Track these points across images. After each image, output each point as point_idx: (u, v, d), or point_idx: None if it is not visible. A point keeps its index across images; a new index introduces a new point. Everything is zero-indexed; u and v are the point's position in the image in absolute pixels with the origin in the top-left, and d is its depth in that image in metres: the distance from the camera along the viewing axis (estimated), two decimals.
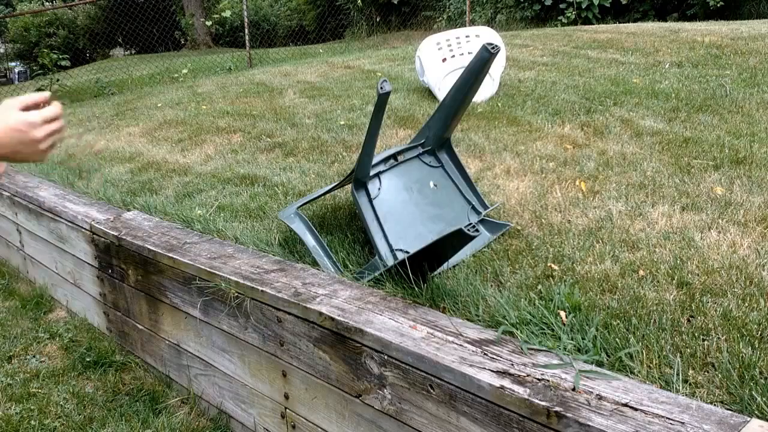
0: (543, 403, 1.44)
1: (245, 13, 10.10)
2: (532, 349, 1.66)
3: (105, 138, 4.76)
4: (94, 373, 3.03)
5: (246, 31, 10.03)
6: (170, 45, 15.98)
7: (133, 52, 17.43)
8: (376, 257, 2.23)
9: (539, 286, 1.97)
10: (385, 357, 1.79)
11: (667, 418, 1.35)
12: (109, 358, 3.11)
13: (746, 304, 1.77)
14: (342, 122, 4.20)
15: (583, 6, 10.87)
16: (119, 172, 3.88)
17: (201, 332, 2.58)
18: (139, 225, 2.99)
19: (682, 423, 1.33)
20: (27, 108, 1.21)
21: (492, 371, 1.57)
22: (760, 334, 1.64)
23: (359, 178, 2.31)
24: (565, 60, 5.59)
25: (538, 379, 1.52)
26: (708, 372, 1.54)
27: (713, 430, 1.31)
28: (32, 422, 2.67)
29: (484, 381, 1.55)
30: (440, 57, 4.50)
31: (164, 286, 2.70)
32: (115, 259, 3.01)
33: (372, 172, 2.34)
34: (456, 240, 1.81)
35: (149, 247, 2.70)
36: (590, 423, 1.36)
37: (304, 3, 18.35)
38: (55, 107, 1.23)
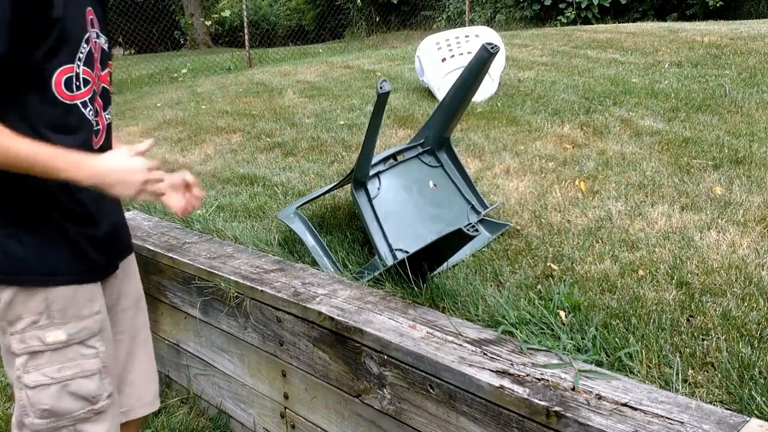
0: (542, 403, 1.44)
1: (245, 13, 10.10)
2: (531, 348, 1.66)
3: None
4: None
5: (245, 30, 10.03)
6: (170, 45, 15.98)
7: (133, 51, 17.43)
8: (376, 257, 2.23)
9: (539, 286, 1.97)
10: (385, 357, 1.79)
11: (666, 417, 1.35)
12: None
13: (746, 304, 1.77)
14: (341, 122, 4.20)
15: (583, 6, 10.88)
16: None
17: (200, 332, 2.58)
18: (138, 225, 2.98)
19: (682, 423, 1.33)
20: (138, 154, 1.43)
21: (491, 371, 1.57)
22: (760, 334, 1.64)
23: (359, 177, 2.31)
24: (565, 60, 5.59)
25: (538, 379, 1.52)
26: (707, 372, 1.54)
27: (713, 429, 1.31)
28: None
29: (484, 381, 1.55)
30: (440, 57, 4.50)
31: (163, 286, 2.70)
32: None
33: (371, 172, 2.34)
34: (455, 240, 1.81)
35: (149, 246, 2.70)
36: (590, 423, 1.36)
37: (304, 3, 18.35)
38: (159, 171, 1.46)
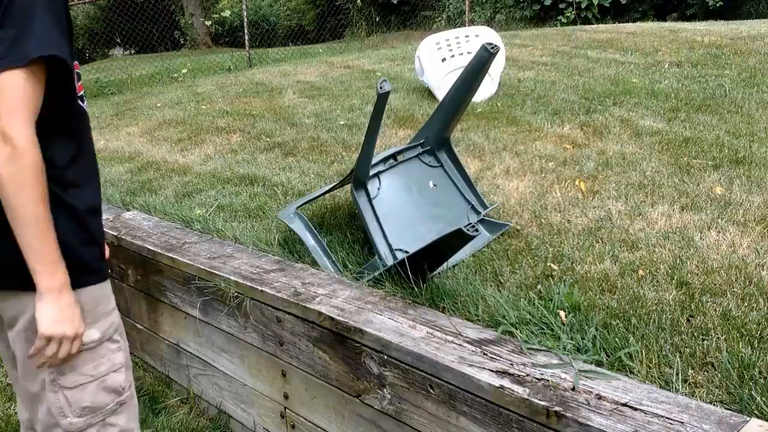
0: (542, 403, 1.44)
1: (245, 13, 10.10)
2: (531, 348, 1.66)
3: (104, 138, 4.77)
4: None
5: (245, 30, 10.02)
6: (170, 45, 15.98)
7: (133, 51, 17.44)
8: (376, 257, 2.23)
9: (539, 286, 1.97)
10: (385, 357, 1.79)
11: (666, 417, 1.35)
12: None
13: (746, 304, 1.77)
14: (341, 122, 4.20)
15: (583, 6, 10.88)
16: (118, 171, 3.88)
17: (200, 332, 2.58)
18: (138, 225, 2.98)
19: (682, 423, 1.33)
20: None
21: (492, 371, 1.57)
22: (760, 334, 1.64)
23: (359, 177, 2.30)
24: (565, 60, 5.59)
25: (538, 379, 1.52)
26: (707, 372, 1.54)
27: (713, 429, 1.31)
28: None
29: (484, 381, 1.55)
30: (440, 57, 4.50)
31: (164, 286, 2.70)
32: (115, 258, 3.01)
33: (372, 172, 2.34)
34: (455, 240, 1.81)
35: (149, 246, 2.70)
36: (590, 423, 1.36)
37: (304, 3, 18.34)
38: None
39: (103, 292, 1.54)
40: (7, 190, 1.27)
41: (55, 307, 1.36)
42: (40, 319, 1.36)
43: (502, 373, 1.56)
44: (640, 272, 1.99)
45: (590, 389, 1.47)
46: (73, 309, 1.40)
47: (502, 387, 1.51)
